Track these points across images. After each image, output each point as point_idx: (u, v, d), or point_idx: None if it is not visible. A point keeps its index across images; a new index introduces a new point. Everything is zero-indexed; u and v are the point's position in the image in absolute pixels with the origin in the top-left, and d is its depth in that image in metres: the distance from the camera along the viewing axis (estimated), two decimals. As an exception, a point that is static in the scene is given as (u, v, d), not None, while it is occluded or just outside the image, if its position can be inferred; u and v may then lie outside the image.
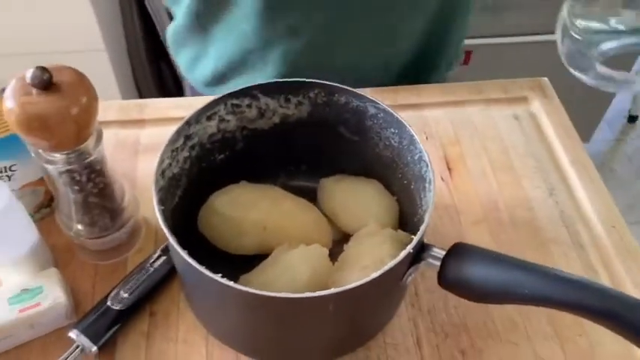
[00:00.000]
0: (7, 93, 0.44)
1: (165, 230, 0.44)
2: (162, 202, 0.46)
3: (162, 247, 0.57)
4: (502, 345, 0.54)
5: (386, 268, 0.42)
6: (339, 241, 0.58)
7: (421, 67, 0.77)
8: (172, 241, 0.43)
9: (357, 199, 0.58)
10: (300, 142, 0.59)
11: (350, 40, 0.70)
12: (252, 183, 0.58)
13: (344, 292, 0.41)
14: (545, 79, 0.78)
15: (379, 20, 0.69)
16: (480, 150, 0.70)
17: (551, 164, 0.69)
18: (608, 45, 0.52)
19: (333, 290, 0.41)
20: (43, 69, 0.44)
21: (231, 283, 0.41)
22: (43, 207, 0.60)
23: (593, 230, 0.62)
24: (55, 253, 0.58)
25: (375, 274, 0.42)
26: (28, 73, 0.43)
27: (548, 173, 0.68)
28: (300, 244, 0.54)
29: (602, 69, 0.52)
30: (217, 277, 0.41)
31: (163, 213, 0.45)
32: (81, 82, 0.45)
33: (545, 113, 0.74)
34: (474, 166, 0.68)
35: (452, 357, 0.53)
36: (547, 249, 0.61)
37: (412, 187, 0.53)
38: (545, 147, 0.70)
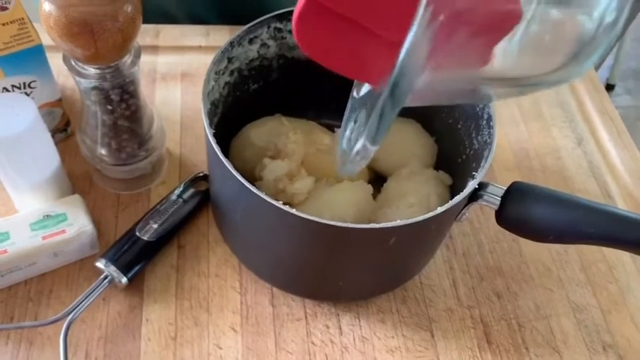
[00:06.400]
0: (45, -6, 0.40)
1: (220, 155, 0.41)
2: (210, 126, 0.43)
3: (190, 178, 0.54)
4: (536, 289, 0.54)
5: (451, 203, 0.41)
6: (368, 182, 0.56)
7: None
8: (229, 165, 0.40)
9: (397, 139, 0.55)
10: (335, 78, 0.56)
11: None
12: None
13: (408, 225, 0.40)
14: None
15: None
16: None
17: (580, 115, 0.68)
18: None
19: (399, 222, 0.39)
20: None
21: (299, 213, 0.39)
22: (59, 131, 0.56)
23: (621, 181, 0.62)
24: (71, 180, 0.54)
25: (441, 209, 0.40)
26: (71, -28, 0.39)
27: (576, 123, 0.67)
28: (334, 181, 0.52)
29: None
30: (279, 204, 0.39)
31: (215, 137, 0.42)
32: (127, -13, 0.41)
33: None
34: (504, 112, 0.67)
35: (488, 299, 0.53)
36: (577, 198, 0.61)
37: (459, 126, 0.52)
38: (574, 98, 0.69)
